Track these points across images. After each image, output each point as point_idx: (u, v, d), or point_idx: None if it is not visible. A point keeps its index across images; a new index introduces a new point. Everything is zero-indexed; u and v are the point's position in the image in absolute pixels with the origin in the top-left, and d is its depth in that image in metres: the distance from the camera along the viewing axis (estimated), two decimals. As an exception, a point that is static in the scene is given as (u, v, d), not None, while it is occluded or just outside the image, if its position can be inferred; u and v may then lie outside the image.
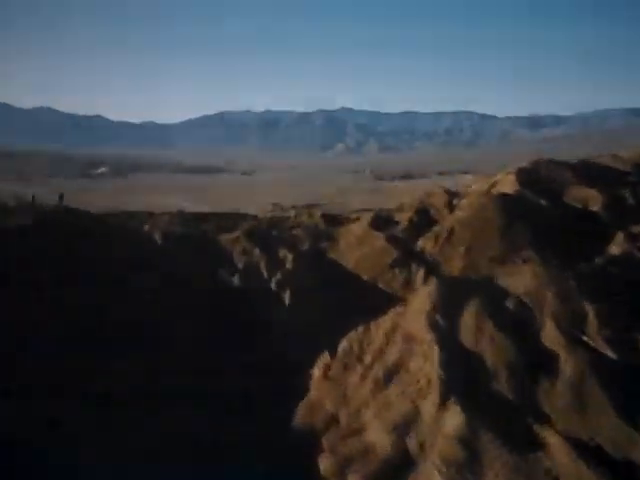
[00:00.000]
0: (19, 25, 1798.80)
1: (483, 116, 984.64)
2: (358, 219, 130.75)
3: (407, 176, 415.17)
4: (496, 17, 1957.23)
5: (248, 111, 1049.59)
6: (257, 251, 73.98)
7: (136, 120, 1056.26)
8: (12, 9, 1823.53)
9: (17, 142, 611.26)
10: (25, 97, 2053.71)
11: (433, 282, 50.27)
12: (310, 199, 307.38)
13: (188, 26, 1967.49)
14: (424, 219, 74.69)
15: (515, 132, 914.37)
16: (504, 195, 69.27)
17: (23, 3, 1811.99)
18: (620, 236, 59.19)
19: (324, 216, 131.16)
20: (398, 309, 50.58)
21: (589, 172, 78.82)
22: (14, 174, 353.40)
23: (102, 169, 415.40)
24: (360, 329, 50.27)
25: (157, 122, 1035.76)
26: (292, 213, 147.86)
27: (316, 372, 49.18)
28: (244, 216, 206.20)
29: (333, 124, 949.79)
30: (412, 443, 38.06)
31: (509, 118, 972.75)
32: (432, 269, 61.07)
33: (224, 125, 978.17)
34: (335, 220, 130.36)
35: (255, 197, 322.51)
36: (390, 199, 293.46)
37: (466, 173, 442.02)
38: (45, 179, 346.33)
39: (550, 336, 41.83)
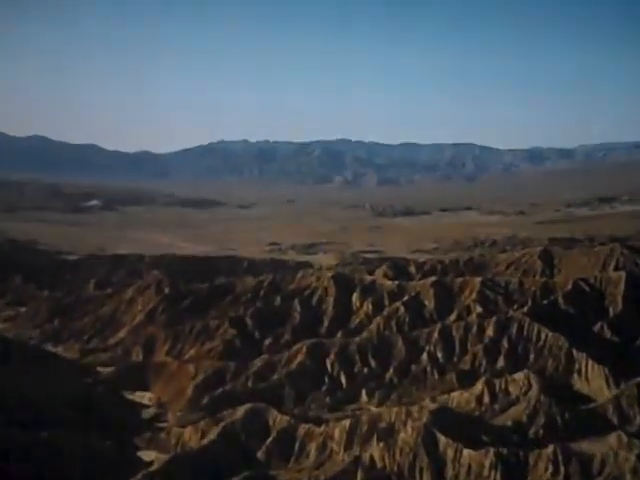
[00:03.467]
0: (12, 52, 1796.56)
1: (484, 148, 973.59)
2: (374, 282, 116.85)
3: (408, 212, 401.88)
4: (496, 47, 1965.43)
5: (245, 141, 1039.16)
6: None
7: (131, 149, 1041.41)
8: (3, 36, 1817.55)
9: (9, 171, 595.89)
10: (18, 125, 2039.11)
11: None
12: (310, 237, 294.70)
13: (184, 56, 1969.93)
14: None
15: (517, 165, 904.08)
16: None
17: (15, 31, 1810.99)
18: None
19: (335, 278, 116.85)
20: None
21: None
22: (2, 207, 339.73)
23: (94, 202, 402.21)
24: None
25: (152, 152, 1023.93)
26: (298, 273, 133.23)
27: None
28: (240, 262, 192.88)
29: (331, 156, 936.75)
30: None
31: (511, 151, 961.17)
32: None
33: (220, 156, 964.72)
34: (347, 283, 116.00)
35: (253, 234, 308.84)
36: (392, 238, 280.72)
37: (469, 209, 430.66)
38: (33, 213, 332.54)
39: None
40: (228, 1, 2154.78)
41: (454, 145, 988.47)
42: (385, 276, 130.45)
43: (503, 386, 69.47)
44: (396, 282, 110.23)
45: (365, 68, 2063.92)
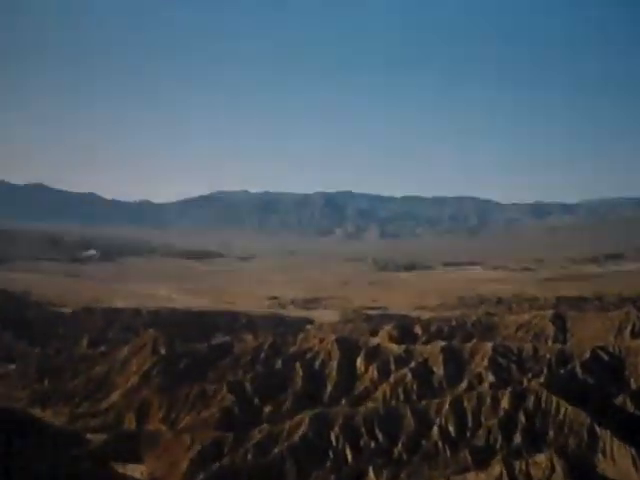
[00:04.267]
0: (13, 100, 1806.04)
1: (487, 202, 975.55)
2: (379, 345, 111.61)
3: (411, 267, 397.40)
4: (497, 101, 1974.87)
5: (246, 192, 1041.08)
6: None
7: (131, 199, 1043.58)
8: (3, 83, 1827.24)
9: (7, 219, 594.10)
10: (18, 173, 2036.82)
11: None
12: (310, 291, 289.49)
13: (184, 105, 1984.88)
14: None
15: (520, 220, 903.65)
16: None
17: (15, 78, 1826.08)
18: None
19: (338, 341, 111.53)
20: None
21: None
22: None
23: (91, 252, 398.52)
24: None
25: (152, 201, 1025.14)
26: (300, 334, 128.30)
27: None
28: (239, 317, 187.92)
29: (333, 207, 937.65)
30: None
31: (514, 205, 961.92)
32: None
33: (221, 206, 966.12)
34: (351, 346, 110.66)
35: (252, 287, 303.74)
36: (395, 294, 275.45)
37: (473, 264, 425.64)
38: (29, 263, 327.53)
39: None
40: (228, 58, 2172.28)
41: (457, 199, 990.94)
42: (390, 337, 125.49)
43: (524, 468, 64.10)
44: (403, 346, 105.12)
45: (367, 120, 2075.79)
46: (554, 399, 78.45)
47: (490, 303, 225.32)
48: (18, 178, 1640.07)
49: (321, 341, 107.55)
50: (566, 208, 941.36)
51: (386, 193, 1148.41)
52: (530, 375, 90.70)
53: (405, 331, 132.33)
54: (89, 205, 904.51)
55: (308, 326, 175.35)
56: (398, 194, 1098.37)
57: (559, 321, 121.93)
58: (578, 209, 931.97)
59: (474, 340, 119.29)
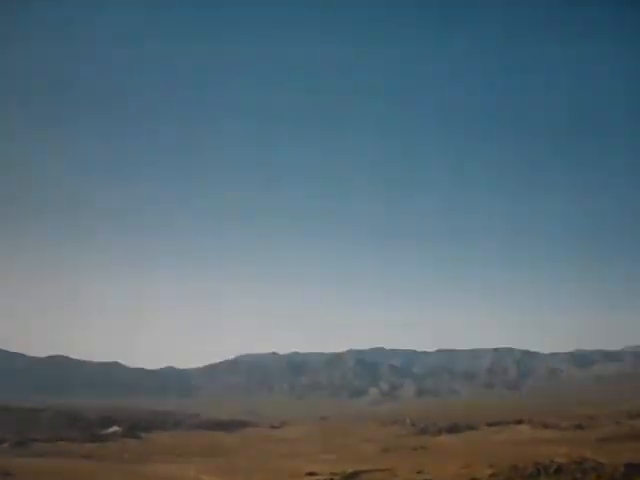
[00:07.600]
0: (28, 270, 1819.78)
1: (525, 353, 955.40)
2: None
3: (453, 429, 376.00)
4: (531, 244, 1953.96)
5: (274, 353, 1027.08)
6: None
7: (154, 366, 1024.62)
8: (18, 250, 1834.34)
9: (26, 396, 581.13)
10: (40, 345, 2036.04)
11: None
12: (349, 463, 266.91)
13: (199, 262, 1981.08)
14: None
15: (562, 370, 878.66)
16: None
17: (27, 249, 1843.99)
18: None
19: None
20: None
21: None
22: (14, 440, 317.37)
23: (114, 428, 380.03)
24: None
25: (176, 368, 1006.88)
26: None
27: None
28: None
29: (365, 366, 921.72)
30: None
31: (554, 354, 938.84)
32: None
33: (248, 369, 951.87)
34: None
35: (286, 461, 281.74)
36: (441, 462, 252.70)
37: (519, 423, 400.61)
38: (47, 445, 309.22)
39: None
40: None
41: (494, 350, 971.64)
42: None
43: None
44: None
45: (394, 277, 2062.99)
46: None
47: (548, 473, 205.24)
48: (39, 350, 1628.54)
49: None
50: (610, 355, 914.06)
51: (420, 348, 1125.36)
52: None
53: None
54: (111, 375, 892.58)
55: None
56: (432, 348, 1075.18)
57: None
58: (623, 356, 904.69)
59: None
